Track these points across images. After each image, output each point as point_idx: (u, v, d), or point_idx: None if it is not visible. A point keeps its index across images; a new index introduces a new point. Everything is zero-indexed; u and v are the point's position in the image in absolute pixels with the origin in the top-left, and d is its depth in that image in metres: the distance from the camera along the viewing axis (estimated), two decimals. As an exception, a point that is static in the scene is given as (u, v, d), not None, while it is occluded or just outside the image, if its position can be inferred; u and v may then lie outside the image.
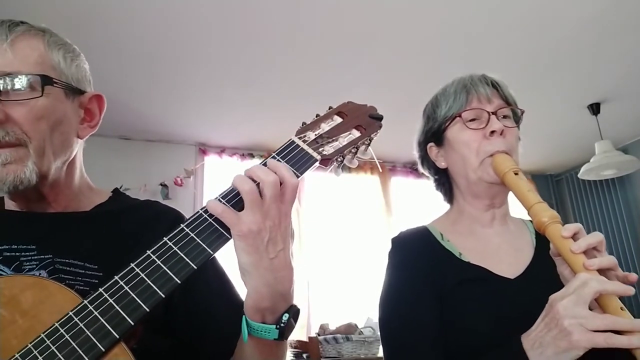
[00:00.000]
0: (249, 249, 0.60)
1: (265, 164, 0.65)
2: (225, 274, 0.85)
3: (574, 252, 0.75)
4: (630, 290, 0.70)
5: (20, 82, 0.71)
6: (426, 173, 1.14)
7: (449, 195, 1.09)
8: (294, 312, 0.65)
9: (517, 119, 1.03)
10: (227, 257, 0.78)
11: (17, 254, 0.73)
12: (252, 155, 3.95)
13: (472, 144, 0.97)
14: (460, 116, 0.99)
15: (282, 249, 0.62)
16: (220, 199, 0.63)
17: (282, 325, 0.62)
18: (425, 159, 1.11)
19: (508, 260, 0.96)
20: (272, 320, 0.63)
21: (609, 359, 0.71)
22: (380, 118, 0.78)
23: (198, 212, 0.64)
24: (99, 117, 0.86)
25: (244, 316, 0.64)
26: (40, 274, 0.70)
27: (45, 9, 2.17)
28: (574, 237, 0.77)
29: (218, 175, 3.83)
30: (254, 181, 0.62)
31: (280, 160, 0.67)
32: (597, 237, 0.77)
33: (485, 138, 0.96)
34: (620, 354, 0.68)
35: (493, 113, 0.97)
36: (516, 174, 0.90)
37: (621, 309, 0.69)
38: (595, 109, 3.41)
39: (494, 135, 0.95)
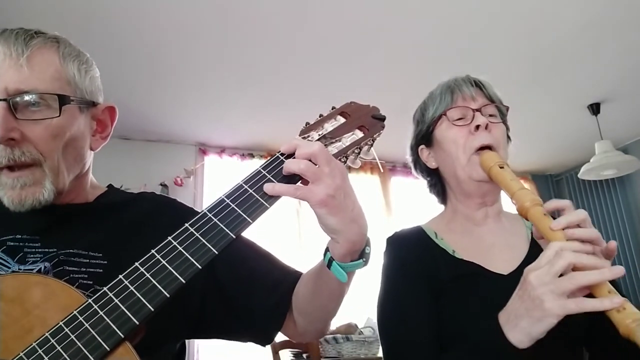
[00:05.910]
0: (333, 211, 0.64)
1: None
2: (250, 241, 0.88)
3: (552, 229, 0.74)
4: (615, 271, 0.66)
5: (37, 101, 0.70)
6: (419, 176, 1.16)
7: (442, 196, 1.11)
8: (369, 242, 0.72)
9: (502, 116, 1.05)
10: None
11: (21, 244, 0.73)
12: (252, 155, 3.95)
13: (458, 140, 0.99)
14: (445, 114, 1.01)
15: (354, 198, 0.67)
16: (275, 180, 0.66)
17: (367, 257, 0.70)
18: (417, 162, 1.13)
19: (502, 257, 0.96)
20: (358, 255, 0.69)
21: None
22: (383, 118, 0.79)
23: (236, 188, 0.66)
24: (111, 127, 0.86)
25: (334, 262, 0.68)
26: (45, 265, 0.71)
27: (44, 9, 2.16)
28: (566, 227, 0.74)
29: (218, 175, 3.82)
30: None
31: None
32: (578, 215, 0.74)
33: (471, 134, 0.98)
34: (597, 320, 0.67)
35: (477, 110, 0.99)
36: (502, 167, 0.90)
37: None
38: (595, 109, 3.41)
39: (479, 129, 0.97)
